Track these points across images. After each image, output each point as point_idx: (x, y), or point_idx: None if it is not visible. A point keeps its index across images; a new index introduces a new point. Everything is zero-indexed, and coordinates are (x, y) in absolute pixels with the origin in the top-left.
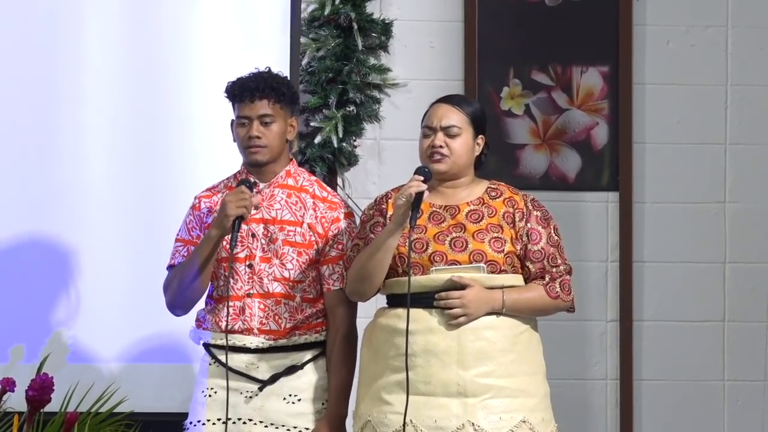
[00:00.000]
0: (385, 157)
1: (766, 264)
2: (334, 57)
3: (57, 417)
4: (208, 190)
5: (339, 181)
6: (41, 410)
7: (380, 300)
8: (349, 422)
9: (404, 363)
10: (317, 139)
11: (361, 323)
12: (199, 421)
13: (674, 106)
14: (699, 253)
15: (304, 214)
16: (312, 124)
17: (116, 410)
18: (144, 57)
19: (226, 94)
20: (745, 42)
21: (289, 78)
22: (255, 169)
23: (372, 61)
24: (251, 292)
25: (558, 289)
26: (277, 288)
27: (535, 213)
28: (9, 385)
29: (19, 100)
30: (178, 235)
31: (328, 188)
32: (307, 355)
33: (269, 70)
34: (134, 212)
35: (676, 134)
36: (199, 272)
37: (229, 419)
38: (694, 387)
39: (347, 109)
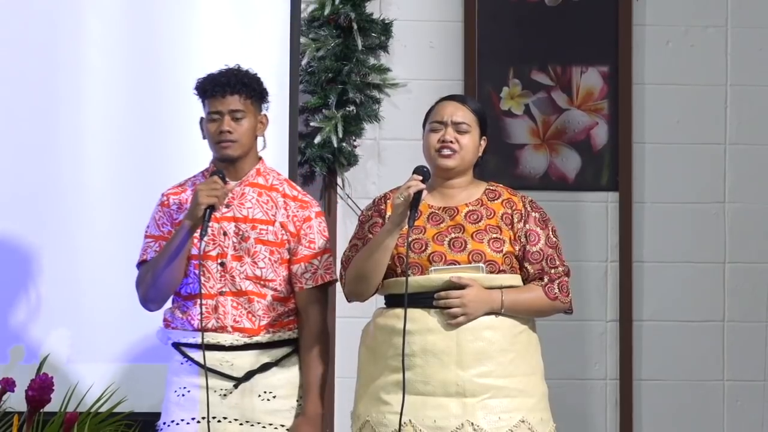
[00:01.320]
0: (385, 157)
1: (766, 264)
2: (334, 57)
3: (57, 417)
4: (176, 186)
5: (339, 181)
6: (41, 410)
7: (380, 300)
8: (347, 422)
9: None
10: (317, 139)
11: (360, 323)
12: (173, 421)
13: (674, 106)
14: (699, 253)
15: (276, 212)
16: (312, 124)
17: (116, 410)
18: (144, 57)
19: (195, 91)
20: (745, 42)
21: (288, 78)
22: (225, 166)
23: (372, 61)
24: (224, 290)
25: (556, 291)
26: (249, 286)
27: (533, 214)
28: (9, 385)
29: (19, 100)
30: (147, 231)
31: (298, 187)
32: (281, 352)
33: (239, 67)
34: (134, 212)
35: (676, 134)
36: (173, 264)
37: (204, 418)
38: (694, 387)
39: (347, 109)
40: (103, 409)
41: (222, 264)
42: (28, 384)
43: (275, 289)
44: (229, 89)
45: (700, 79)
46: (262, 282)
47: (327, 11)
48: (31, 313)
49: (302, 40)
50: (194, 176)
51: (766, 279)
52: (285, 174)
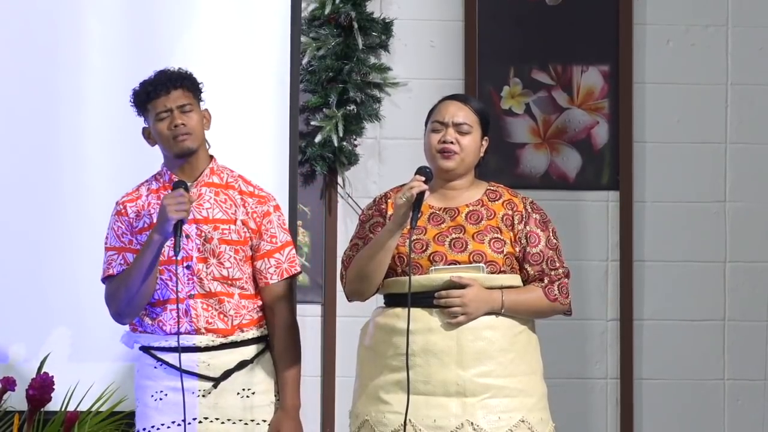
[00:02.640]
0: (386, 157)
1: (766, 264)
2: (335, 56)
3: (57, 416)
4: (130, 194)
5: (339, 180)
6: (41, 409)
7: (380, 299)
8: (347, 421)
9: (403, 362)
10: (317, 139)
11: (360, 323)
12: (153, 426)
13: (674, 106)
14: (699, 252)
15: (236, 210)
16: (312, 123)
17: (116, 409)
18: (144, 57)
19: (134, 100)
20: (745, 42)
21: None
22: (178, 167)
23: (372, 60)
24: (192, 293)
25: (556, 292)
26: (217, 287)
27: (534, 216)
28: (9, 384)
29: (19, 101)
30: (107, 243)
31: (253, 183)
32: (256, 348)
33: (167, 67)
34: None
35: (677, 133)
36: (145, 277)
37: (185, 420)
38: (694, 386)
39: (347, 108)
40: (103, 409)
41: (188, 267)
42: (28, 383)
43: (242, 288)
44: (171, 84)
45: (701, 78)
46: (229, 282)
47: (327, 10)
48: (31, 312)
49: (303, 39)
50: (146, 180)
51: (766, 279)
52: (286, 173)
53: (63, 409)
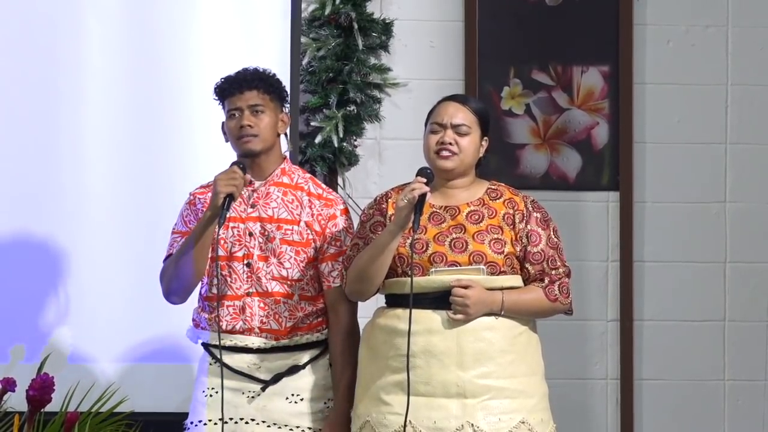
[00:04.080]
0: (386, 157)
1: (766, 264)
2: (335, 57)
3: (57, 417)
4: (203, 187)
5: (339, 180)
6: (42, 410)
7: (381, 299)
8: None
9: (403, 363)
10: (318, 139)
11: (361, 323)
12: (200, 421)
13: (674, 106)
14: (699, 252)
15: (301, 212)
16: (312, 123)
17: (117, 410)
18: (144, 57)
19: (215, 95)
20: (745, 42)
21: (289, 78)
22: (249, 163)
23: (372, 60)
24: (250, 291)
25: (557, 292)
26: (275, 287)
27: (535, 215)
28: (9, 384)
29: (19, 101)
30: (174, 227)
31: (323, 185)
32: (308, 354)
33: (256, 67)
34: (134, 212)
35: (677, 134)
36: (194, 255)
37: (231, 419)
38: (694, 387)
39: (348, 108)
40: (104, 409)
41: (248, 264)
42: (29, 384)
43: (302, 289)
44: (246, 85)
45: (701, 78)
46: (288, 282)
47: (327, 11)
48: (31, 312)
49: (303, 39)
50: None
51: (766, 279)
52: None
53: (63, 409)
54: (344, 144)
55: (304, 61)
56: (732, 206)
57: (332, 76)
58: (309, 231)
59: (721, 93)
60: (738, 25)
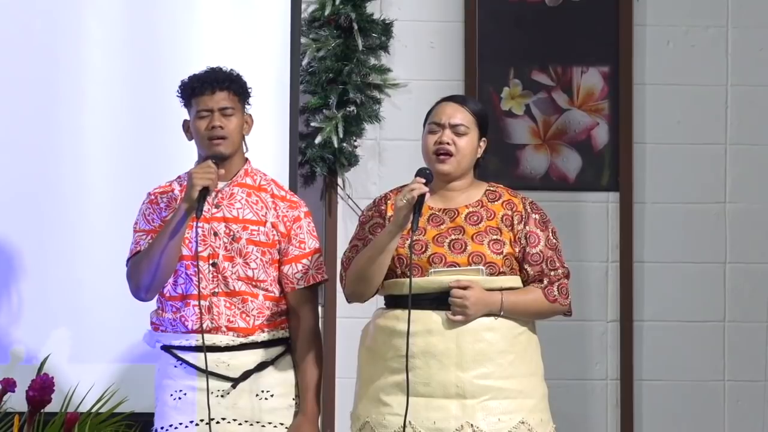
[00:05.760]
0: (386, 158)
1: (766, 264)
2: (335, 57)
3: (57, 417)
4: (162, 187)
5: (339, 181)
6: (42, 410)
7: (380, 300)
8: (347, 422)
9: (403, 364)
10: (318, 140)
11: (360, 323)
12: (171, 425)
13: (674, 107)
14: (699, 253)
15: (266, 213)
16: (312, 124)
17: (116, 410)
18: (144, 57)
19: (180, 92)
20: (745, 42)
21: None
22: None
23: (372, 61)
24: (216, 290)
25: (556, 293)
26: (242, 287)
27: (533, 216)
28: (9, 385)
29: (19, 101)
30: (136, 226)
31: (285, 187)
32: (276, 351)
33: (221, 67)
34: (134, 212)
35: (677, 134)
36: (170, 245)
37: (202, 420)
38: (694, 387)
39: (348, 109)
40: (103, 410)
41: (214, 264)
42: (28, 384)
43: (266, 290)
44: (218, 85)
45: (701, 79)
46: (254, 282)
47: (327, 11)
48: (31, 313)
49: (303, 40)
50: (179, 177)
51: (766, 279)
52: (285, 174)
53: (63, 410)
54: (344, 145)
55: (304, 62)
56: (732, 207)
57: (332, 77)
58: (275, 232)
59: (720, 94)
60: (738, 26)
